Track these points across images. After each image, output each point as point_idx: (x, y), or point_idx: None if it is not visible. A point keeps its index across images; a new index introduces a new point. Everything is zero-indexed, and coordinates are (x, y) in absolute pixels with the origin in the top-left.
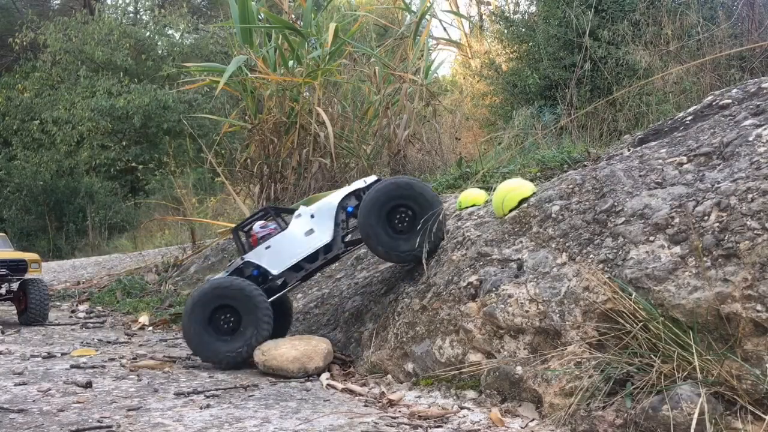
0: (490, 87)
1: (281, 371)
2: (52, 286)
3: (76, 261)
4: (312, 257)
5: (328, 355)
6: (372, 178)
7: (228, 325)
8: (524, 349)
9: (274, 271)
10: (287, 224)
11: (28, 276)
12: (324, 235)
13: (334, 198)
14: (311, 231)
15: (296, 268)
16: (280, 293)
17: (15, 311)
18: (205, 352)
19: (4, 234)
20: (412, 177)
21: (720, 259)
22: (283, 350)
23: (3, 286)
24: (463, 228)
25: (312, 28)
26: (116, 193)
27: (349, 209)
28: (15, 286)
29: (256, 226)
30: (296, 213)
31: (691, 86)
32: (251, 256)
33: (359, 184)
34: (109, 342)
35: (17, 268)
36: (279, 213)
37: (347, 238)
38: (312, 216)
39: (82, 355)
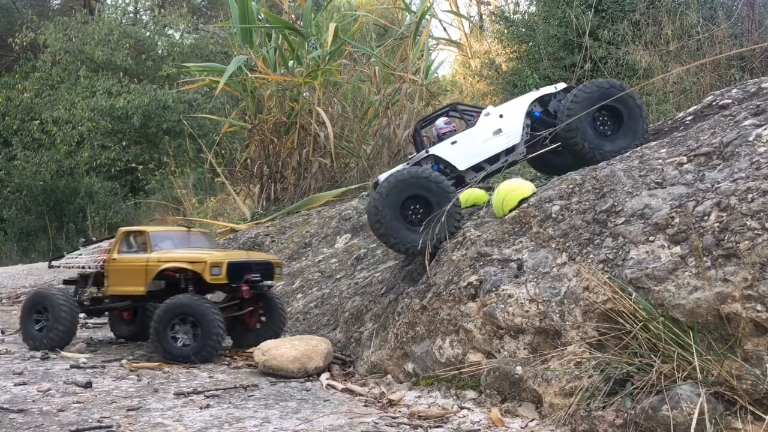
0: (490, 87)
1: (281, 371)
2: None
3: None
4: (494, 158)
5: (328, 356)
6: (562, 85)
7: (417, 216)
8: (524, 349)
9: (460, 167)
10: (471, 123)
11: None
12: (511, 136)
13: (523, 101)
14: (499, 131)
15: (477, 167)
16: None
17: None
18: (392, 237)
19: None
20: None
21: (720, 259)
22: (283, 350)
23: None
24: (463, 228)
25: (312, 28)
26: (116, 193)
27: (536, 114)
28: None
29: (440, 121)
30: (484, 111)
31: (691, 86)
32: (436, 150)
33: (549, 89)
34: (109, 342)
35: (267, 273)
36: (463, 110)
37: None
38: (501, 116)
39: (73, 356)
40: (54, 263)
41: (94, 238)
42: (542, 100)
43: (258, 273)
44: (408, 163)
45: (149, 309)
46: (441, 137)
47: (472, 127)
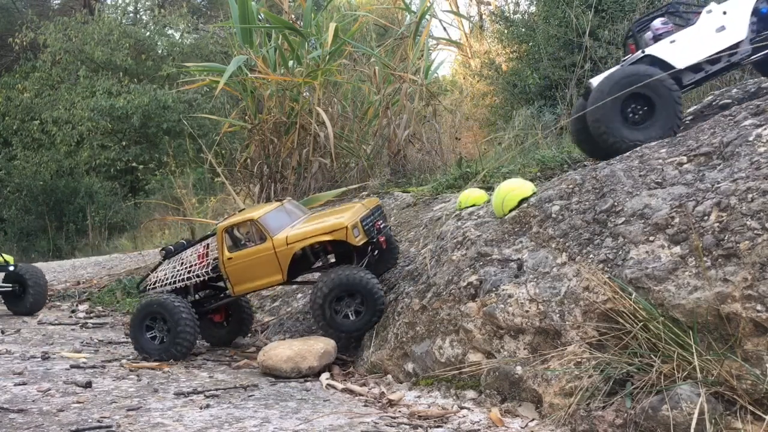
0: (490, 87)
1: (276, 371)
2: (52, 286)
3: (76, 261)
4: (716, 58)
5: (324, 355)
6: None
7: (637, 115)
8: (524, 349)
9: (679, 65)
10: (691, 21)
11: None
12: (736, 33)
13: None
14: (722, 28)
15: (696, 68)
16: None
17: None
18: (612, 136)
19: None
20: None
21: (720, 259)
22: (280, 350)
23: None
24: (463, 228)
25: (312, 28)
26: (116, 193)
27: (763, 11)
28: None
29: (656, 22)
30: (706, 9)
31: None
32: (653, 50)
33: None
34: (109, 342)
35: (383, 215)
36: (682, 10)
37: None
38: (724, 13)
39: (73, 356)
40: (143, 286)
41: (172, 247)
42: None
43: (379, 219)
44: (622, 66)
45: (244, 309)
46: (657, 38)
47: (691, 25)
